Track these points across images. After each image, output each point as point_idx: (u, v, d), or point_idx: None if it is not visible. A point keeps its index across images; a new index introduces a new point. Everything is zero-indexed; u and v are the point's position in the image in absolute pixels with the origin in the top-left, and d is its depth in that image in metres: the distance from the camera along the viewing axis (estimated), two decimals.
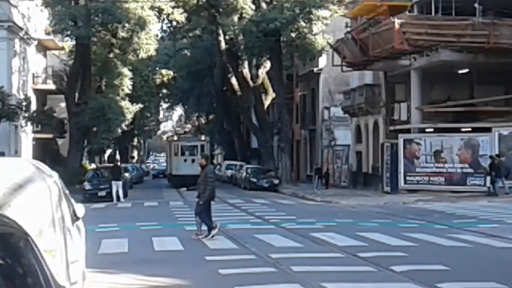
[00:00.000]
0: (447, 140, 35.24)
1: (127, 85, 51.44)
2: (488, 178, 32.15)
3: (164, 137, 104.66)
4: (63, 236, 7.26)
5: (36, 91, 50.27)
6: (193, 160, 48.96)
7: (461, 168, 34.62)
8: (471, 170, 34.31)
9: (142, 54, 49.83)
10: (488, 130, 34.14)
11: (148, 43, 48.53)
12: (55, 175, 7.92)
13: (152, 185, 59.81)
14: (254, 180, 46.80)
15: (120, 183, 35.21)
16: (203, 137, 55.30)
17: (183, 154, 51.38)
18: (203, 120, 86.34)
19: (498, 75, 35.37)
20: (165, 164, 71.15)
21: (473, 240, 16.82)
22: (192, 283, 11.79)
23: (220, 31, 50.30)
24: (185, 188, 43.34)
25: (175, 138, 57.30)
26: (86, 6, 42.47)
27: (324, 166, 48.47)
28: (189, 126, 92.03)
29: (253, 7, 46.91)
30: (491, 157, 32.63)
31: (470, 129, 35.71)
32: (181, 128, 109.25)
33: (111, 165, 39.78)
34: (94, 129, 45.46)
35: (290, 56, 54.78)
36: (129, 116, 49.40)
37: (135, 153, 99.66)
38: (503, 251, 15.24)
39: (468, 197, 31.85)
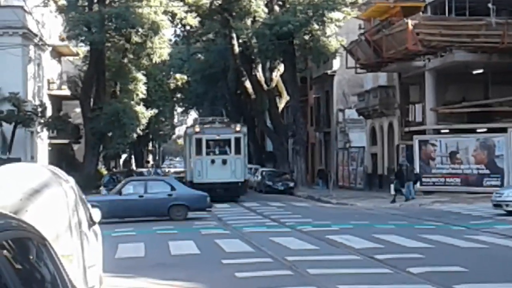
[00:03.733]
0: (462, 141, 35.07)
1: (141, 90, 51.53)
2: (392, 185, 33.36)
3: (179, 141, 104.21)
4: (80, 241, 7.29)
5: (51, 97, 50.46)
6: (224, 161, 36.75)
7: (477, 169, 34.45)
8: (487, 171, 34.12)
9: (156, 59, 49.87)
10: (504, 130, 33.93)
11: (161, 48, 48.61)
12: (71, 180, 7.96)
13: None
14: (270, 183, 46.73)
15: None
16: (238, 126, 38.55)
17: (209, 152, 37.53)
18: None
19: None
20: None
21: (491, 241, 16.73)
22: (208, 286, 11.81)
23: (234, 35, 50.31)
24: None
25: (197, 129, 38.12)
26: (100, 12, 42.61)
27: (329, 168, 48.49)
28: None
29: (266, 10, 46.88)
30: (399, 164, 33.70)
31: (485, 130, 35.54)
32: None
33: (126, 170, 40.34)
34: (110, 134, 45.54)
35: (303, 59, 54.72)
36: (144, 121, 49.45)
37: (150, 158, 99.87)
38: None
39: (484, 198, 31.63)
